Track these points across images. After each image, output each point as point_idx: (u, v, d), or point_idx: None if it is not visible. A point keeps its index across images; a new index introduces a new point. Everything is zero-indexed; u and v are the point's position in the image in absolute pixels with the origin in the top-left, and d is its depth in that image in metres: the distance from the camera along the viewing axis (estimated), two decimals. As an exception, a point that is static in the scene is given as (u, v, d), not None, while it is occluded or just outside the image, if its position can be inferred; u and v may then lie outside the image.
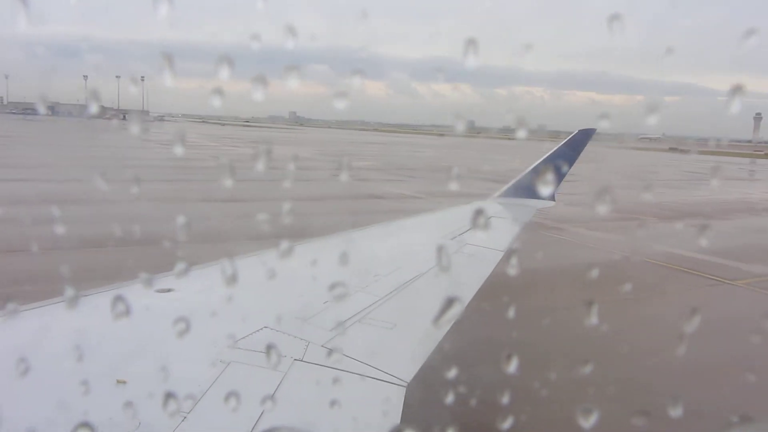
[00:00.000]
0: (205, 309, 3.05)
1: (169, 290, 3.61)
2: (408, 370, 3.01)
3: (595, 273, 7.98)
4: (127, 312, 2.23)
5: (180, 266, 2.60)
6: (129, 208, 12.98)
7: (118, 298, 2.20)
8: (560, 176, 8.48)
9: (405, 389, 2.82)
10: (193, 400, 2.36)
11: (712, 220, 21.65)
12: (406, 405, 2.64)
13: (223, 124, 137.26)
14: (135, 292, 3.08)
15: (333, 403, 2.46)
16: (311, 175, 28.17)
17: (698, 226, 17.20)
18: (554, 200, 8.59)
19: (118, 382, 2.42)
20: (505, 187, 8.90)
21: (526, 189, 8.46)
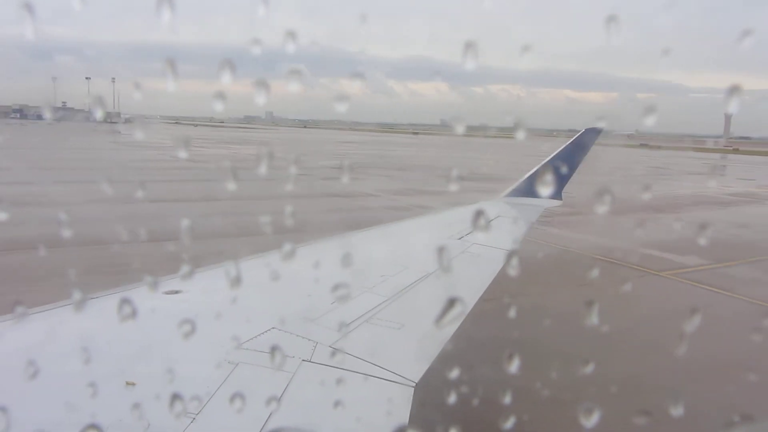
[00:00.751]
0: (213, 310, 3.04)
1: (176, 292, 3.61)
2: (416, 371, 3.02)
3: (525, 265, 7.83)
4: (135, 314, 2.23)
5: (188, 268, 2.62)
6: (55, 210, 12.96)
7: (126, 301, 2.21)
8: (567, 175, 8.43)
9: (413, 389, 2.83)
10: (202, 401, 2.37)
11: (661, 213, 22.09)
12: (414, 405, 2.66)
13: (196, 125, 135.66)
14: (143, 295, 3.06)
15: (341, 403, 2.47)
16: (249, 175, 27.97)
17: (643, 220, 17.74)
18: (561, 199, 8.63)
19: (128, 384, 2.43)
20: (512, 187, 8.89)
21: (533, 188, 8.40)
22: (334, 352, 3.08)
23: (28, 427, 2.00)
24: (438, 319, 2.18)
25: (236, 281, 2.30)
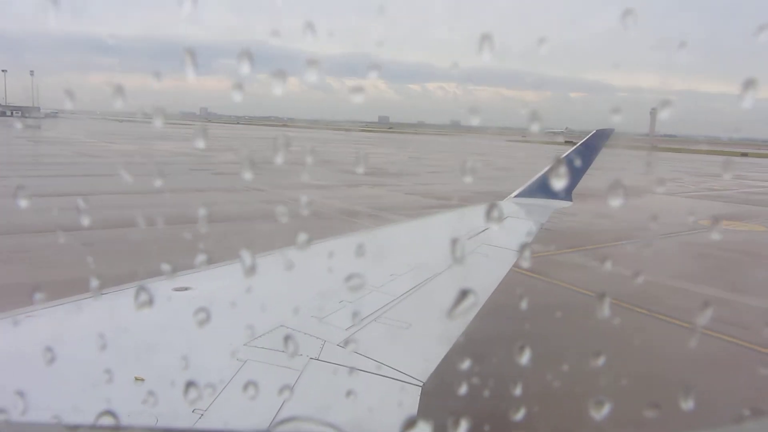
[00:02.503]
0: (222, 307, 2.95)
1: (186, 289, 3.61)
2: (423, 370, 3.03)
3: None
4: (144, 311, 2.23)
5: (197, 265, 2.63)
6: None
7: (135, 297, 2.19)
8: (577, 176, 8.40)
9: (420, 389, 2.83)
10: (211, 397, 2.35)
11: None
12: (422, 404, 2.67)
13: (121, 121, 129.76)
14: (151, 291, 3.07)
15: (349, 401, 2.46)
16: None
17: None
18: (571, 200, 8.60)
19: (136, 379, 2.42)
20: (522, 187, 8.83)
21: (543, 189, 8.43)
22: (342, 350, 3.08)
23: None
24: (446, 319, 2.17)
25: (246, 278, 2.26)
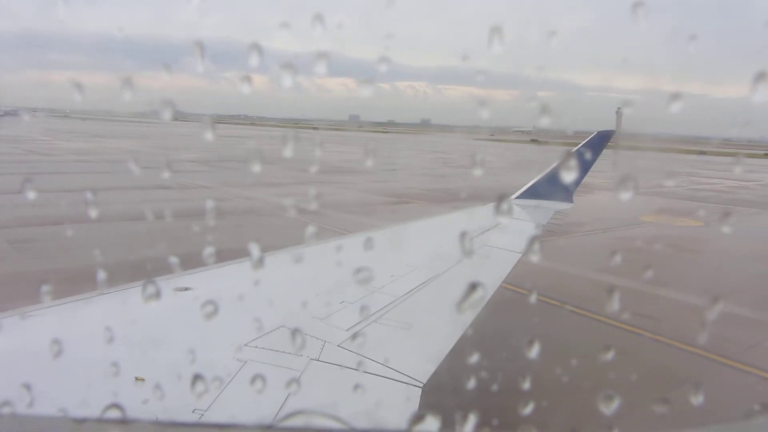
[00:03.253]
0: (222, 308, 2.94)
1: (186, 289, 3.60)
2: (424, 371, 3.02)
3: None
4: (145, 310, 2.23)
5: (198, 265, 2.62)
6: None
7: (136, 297, 2.16)
8: (578, 178, 8.22)
9: (421, 390, 2.84)
10: (210, 398, 2.35)
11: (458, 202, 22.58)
12: (422, 405, 2.68)
13: (84, 119, 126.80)
14: (152, 291, 3.03)
15: (349, 403, 2.45)
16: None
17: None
18: (572, 202, 8.62)
19: (137, 379, 2.41)
20: (523, 189, 8.79)
21: (544, 191, 8.43)
22: (343, 351, 3.07)
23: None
24: (446, 320, 2.12)
25: (246, 279, 2.25)
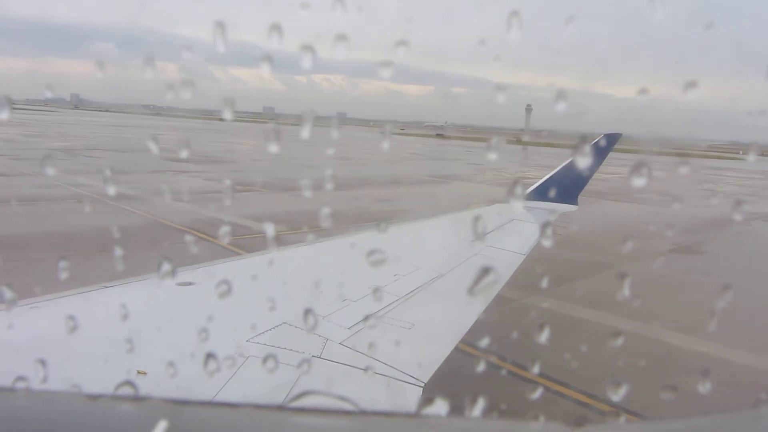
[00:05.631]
0: (225, 303, 2.83)
1: (189, 284, 3.57)
2: (425, 371, 3.03)
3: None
4: (147, 305, 2.17)
5: (201, 261, 2.62)
6: None
7: (138, 291, 2.18)
8: (584, 181, 8.40)
9: (422, 389, 2.84)
10: (211, 393, 2.34)
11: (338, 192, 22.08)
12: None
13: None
14: (155, 286, 3.01)
15: (350, 401, 2.40)
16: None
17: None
18: (577, 204, 8.58)
19: (139, 372, 2.41)
20: (528, 190, 8.65)
21: (549, 193, 8.36)
22: (344, 349, 3.09)
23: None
24: (449, 320, 1.97)
25: (249, 275, 1.99)
